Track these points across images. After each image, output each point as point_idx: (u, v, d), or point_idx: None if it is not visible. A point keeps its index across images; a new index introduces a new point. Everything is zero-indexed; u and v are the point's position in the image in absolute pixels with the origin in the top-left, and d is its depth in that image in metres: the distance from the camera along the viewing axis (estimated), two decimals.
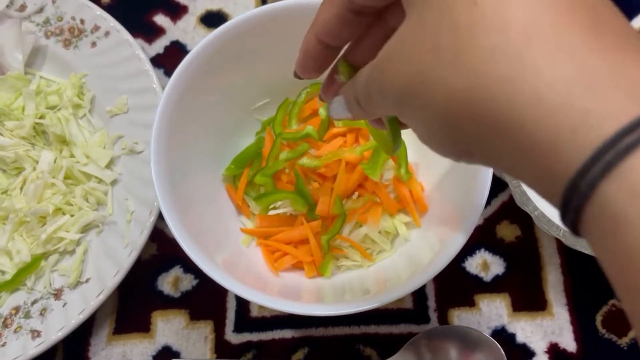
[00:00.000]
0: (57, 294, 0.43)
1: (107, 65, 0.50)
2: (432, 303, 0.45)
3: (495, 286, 0.45)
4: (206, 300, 0.45)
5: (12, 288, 0.44)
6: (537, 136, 0.16)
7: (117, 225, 0.45)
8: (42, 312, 0.43)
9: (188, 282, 0.46)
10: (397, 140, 0.28)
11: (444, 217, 0.39)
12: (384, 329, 0.44)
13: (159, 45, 0.54)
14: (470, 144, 0.19)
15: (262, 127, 0.46)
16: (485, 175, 0.35)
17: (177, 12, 0.56)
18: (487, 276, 0.45)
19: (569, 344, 0.43)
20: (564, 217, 0.17)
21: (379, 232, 0.42)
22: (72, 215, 0.45)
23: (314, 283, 0.41)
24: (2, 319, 0.43)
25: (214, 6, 0.56)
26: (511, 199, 0.47)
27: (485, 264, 0.46)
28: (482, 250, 0.46)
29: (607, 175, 0.15)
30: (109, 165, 0.47)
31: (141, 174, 0.46)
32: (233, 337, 0.44)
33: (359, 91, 0.24)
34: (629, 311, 0.17)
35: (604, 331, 0.43)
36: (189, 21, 0.55)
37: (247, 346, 0.44)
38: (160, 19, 0.55)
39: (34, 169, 0.46)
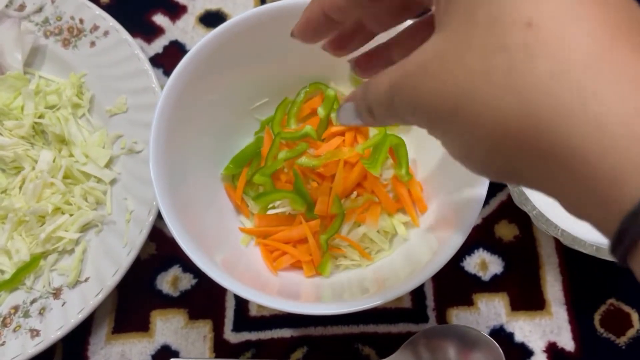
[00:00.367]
0: (56, 293, 0.43)
1: (106, 65, 0.50)
2: (430, 302, 0.45)
3: (493, 285, 0.45)
4: (205, 299, 0.45)
5: (11, 287, 0.44)
6: (598, 167, 0.16)
7: (116, 224, 0.45)
8: (41, 312, 0.43)
9: (187, 281, 0.46)
10: None
11: (443, 217, 0.39)
12: (382, 328, 0.44)
13: (158, 45, 0.55)
14: (515, 168, 0.18)
15: (261, 126, 0.46)
16: None
17: (176, 11, 0.56)
18: (486, 275, 0.45)
19: (567, 343, 0.43)
20: (615, 245, 0.17)
21: (378, 232, 0.42)
22: (71, 215, 0.45)
23: (312, 282, 0.41)
24: (1, 318, 0.43)
25: (213, 6, 0.56)
26: (509, 199, 0.47)
27: (484, 264, 0.46)
28: (481, 249, 0.46)
29: None
30: (108, 165, 0.47)
31: (140, 174, 0.46)
32: (232, 337, 0.44)
33: (377, 101, 0.23)
34: None
35: (602, 330, 0.43)
36: (188, 21, 0.55)
37: (246, 345, 0.44)
38: (160, 19, 0.56)
39: (33, 168, 0.46)
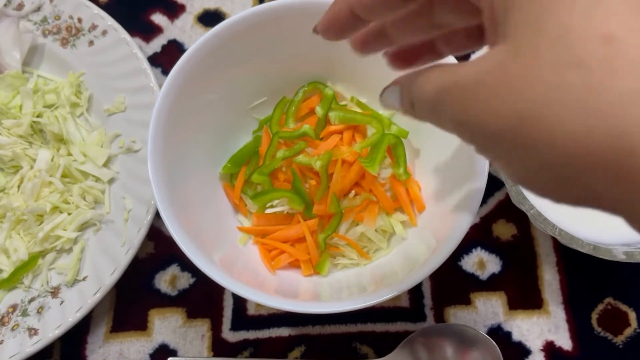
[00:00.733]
0: (55, 292, 0.43)
1: (104, 64, 0.50)
2: (428, 301, 0.45)
3: (491, 284, 0.45)
4: (203, 298, 0.45)
5: (10, 286, 0.44)
6: None
7: (115, 223, 0.45)
8: (40, 310, 0.43)
9: (185, 280, 0.46)
10: None
11: (441, 216, 0.39)
12: (380, 327, 0.44)
13: (157, 44, 0.55)
14: (593, 192, 0.17)
15: (259, 125, 0.46)
16: (481, 173, 0.35)
17: (174, 11, 0.56)
18: (484, 274, 0.45)
19: (565, 342, 0.43)
20: None
21: (376, 231, 0.42)
22: (69, 214, 0.45)
23: (310, 281, 0.41)
24: (0, 317, 0.43)
25: (211, 5, 0.56)
26: (507, 198, 0.47)
27: (482, 263, 0.46)
28: (479, 248, 0.46)
29: None
30: (106, 164, 0.47)
31: (138, 173, 0.46)
32: (230, 335, 0.44)
33: (420, 100, 0.21)
34: None
35: (599, 329, 0.44)
36: (187, 20, 0.56)
37: (244, 344, 0.44)
38: (158, 18, 0.56)
39: (32, 167, 0.46)
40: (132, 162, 0.47)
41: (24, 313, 0.43)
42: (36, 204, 0.45)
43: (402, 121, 0.44)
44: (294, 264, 0.42)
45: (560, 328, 0.44)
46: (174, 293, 0.46)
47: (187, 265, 0.46)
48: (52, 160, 0.46)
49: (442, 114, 0.20)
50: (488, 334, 0.43)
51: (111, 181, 0.47)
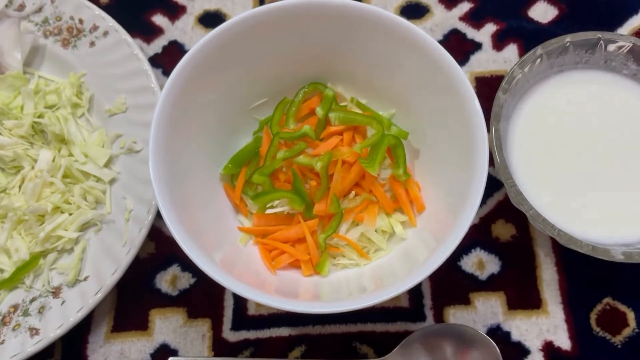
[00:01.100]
0: (56, 292, 0.43)
1: (105, 65, 0.50)
2: (428, 301, 0.45)
3: (490, 285, 0.45)
4: (204, 298, 0.45)
5: (11, 286, 0.44)
6: None
7: (116, 223, 0.45)
8: (41, 310, 0.43)
9: (186, 280, 0.46)
10: None
11: (440, 216, 0.39)
12: (380, 327, 0.44)
13: (157, 45, 0.55)
14: None
15: (260, 126, 0.46)
16: (480, 174, 0.35)
17: (175, 12, 0.56)
18: (483, 275, 0.46)
19: (564, 342, 0.44)
20: None
21: (376, 231, 0.42)
22: (70, 214, 0.45)
23: (311, 281, 0.41)
24: (1, 317, 0.43)
25: (212, 6, 0.56)
26: (506, 199, 0.47)
27: (481, 263, 0.46)
28: (478, 249, 0.46)
29: None
30: (107, 164, 0.47)
31: (139, 173, 0.46)
32: (230, 335, 0.44)
33: None
34: None
35: (598, 329, 0.44)
36: (187, 21, 0.56)
37: (245, 344, 0.44)
38: (159, 19, 0.56)
39: (33, 167, 0.46)
40: (133, 163, 0.47)
41: (25, 313, 0.43)
42: (37, 204, 0.45)
43: (402, 122, 0.44)
44: (295, 264, 0.42)
45: (559, 328, 0.44)
46: (174, 293, 0.46)
47: (187, 266, 0.46)
48: (53, 160, 0.47)
49: None
50: (487, 333, 0.43)
51: (112, 181, 0.47)
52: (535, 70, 0.44)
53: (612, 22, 0.54)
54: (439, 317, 0.44)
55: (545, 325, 0.44)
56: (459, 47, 0.53)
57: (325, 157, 0.41)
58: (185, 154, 0.39)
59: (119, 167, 0.47)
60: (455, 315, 0.44)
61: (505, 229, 0.47)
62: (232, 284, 0.33)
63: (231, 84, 0.42)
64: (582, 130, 0.44)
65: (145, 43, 0.55)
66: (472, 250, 0.46)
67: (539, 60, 0.44)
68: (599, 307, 0.44)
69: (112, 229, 0.45)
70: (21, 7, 0.53)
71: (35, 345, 0.41)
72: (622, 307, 0.44)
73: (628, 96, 0.45)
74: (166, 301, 0.46)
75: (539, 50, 0.44)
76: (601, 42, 0.44)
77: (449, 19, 0.55)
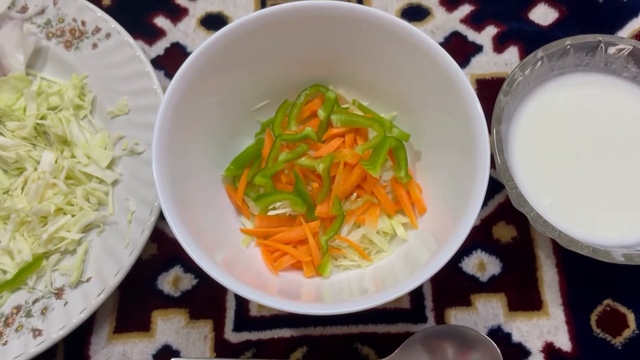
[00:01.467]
0: (58, 293, 0.44)
1: (108, 67, 0.50)
2: (429, 303, 0.45)
3: (491, 286, 0.45)
4: (206, 299, 0.46)
5: (14, 287, 0.44)
6: None
7: (118, 225, 0.45)
8: (43, 311, 0.43)
9: (188, 281, 0.46)
10: None
11: (441, 218, 0.40)
12: (381, 328, 0.44)
13: (160, 47, 0.55)
14: None
15: (262, 128, 0.46)
16: (482, 176, 0.35)
17: (177, 14, 0.56)
18: (484, 276, 0.46)
19: (564, 343, 0.44)
20: None
21: (377, 233, 0.42)
22: (73, 215, 0.46)
23: (312, 283, 0.41)
24: (4, 318, 0.43)
25: (213, 8, 0.56)
26: (507, 200, 0.47)
27: (482, 264, 0.46)
28: (479, 250, 0.47)
29: None
30: (109, 166, 0.48)
31: (142, 175, 0.46)
32: (232, 336, 0.45)
33: None
34: None
35: (598, 331, 0.44)
36: (189, 23, 0.56)
37: (247, 345, 0.44)
38: (161, 21, 0.56)
39: (35, 169, 0.46)
40: (136, 164, 0.47)
41: (28, 314, 0.43)
42: (40, 206, 0.45)
43: (404, 124, 0.45)
44: (296, 266, 0.42)
45: (559, 329, 0.44)
46: (177, 294, 0.46)
47: (190, 267, 0.47)
48: (56, 162, 0.47)
49: None
50: (488, 335, 0.43)
51: (115, 183, 0.47)
52: (536, 72, 0.45)
53: (612, 24, 0.54)
54: (440, 319, 0.45)
55: (545, 327, 0.44)
56: (460, 49, 0.54)
57: (327, 159, 0.41)
58: (187, 155, 0.40)
59: (121, 169, 0.47)
60: (457, 317, 0.45)
61: (506, 230, 0.47)
62: (234, 285, 0.34)
63: (233, 86, 0.42)
64: (583, 133, 0.44)
65: (147, 45, 0.55)
66: (473, 251, 0.47)
67: (539, 62, 0.44)
68: (599, 309, 0.44)
69: (115, 231, 0.45)
70: (24, 9, 0.53)
71: (37, 346, 0.41)
72: (623, 309, 0.44)
73: (628, 99, 0.45)
74: (168, 302, 0.46)
75: (539, 52, 0.44)
76: (601, 44, 0.44)
77: (450, 21, 0.55)
